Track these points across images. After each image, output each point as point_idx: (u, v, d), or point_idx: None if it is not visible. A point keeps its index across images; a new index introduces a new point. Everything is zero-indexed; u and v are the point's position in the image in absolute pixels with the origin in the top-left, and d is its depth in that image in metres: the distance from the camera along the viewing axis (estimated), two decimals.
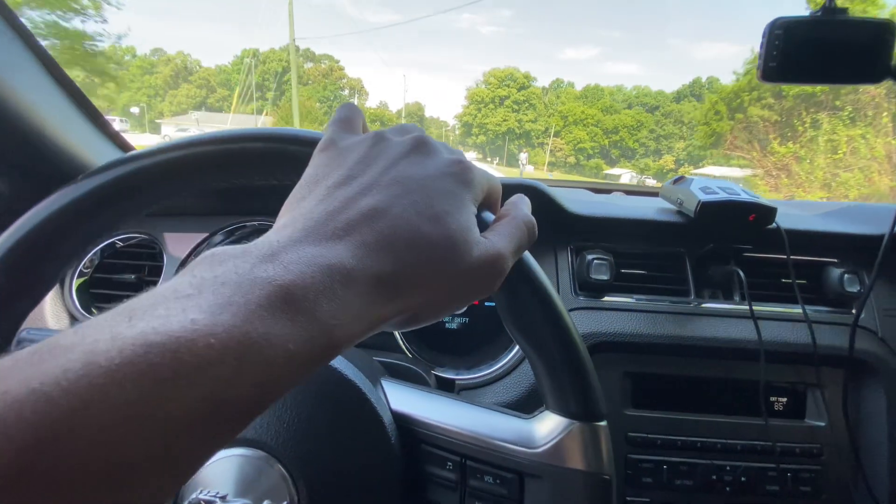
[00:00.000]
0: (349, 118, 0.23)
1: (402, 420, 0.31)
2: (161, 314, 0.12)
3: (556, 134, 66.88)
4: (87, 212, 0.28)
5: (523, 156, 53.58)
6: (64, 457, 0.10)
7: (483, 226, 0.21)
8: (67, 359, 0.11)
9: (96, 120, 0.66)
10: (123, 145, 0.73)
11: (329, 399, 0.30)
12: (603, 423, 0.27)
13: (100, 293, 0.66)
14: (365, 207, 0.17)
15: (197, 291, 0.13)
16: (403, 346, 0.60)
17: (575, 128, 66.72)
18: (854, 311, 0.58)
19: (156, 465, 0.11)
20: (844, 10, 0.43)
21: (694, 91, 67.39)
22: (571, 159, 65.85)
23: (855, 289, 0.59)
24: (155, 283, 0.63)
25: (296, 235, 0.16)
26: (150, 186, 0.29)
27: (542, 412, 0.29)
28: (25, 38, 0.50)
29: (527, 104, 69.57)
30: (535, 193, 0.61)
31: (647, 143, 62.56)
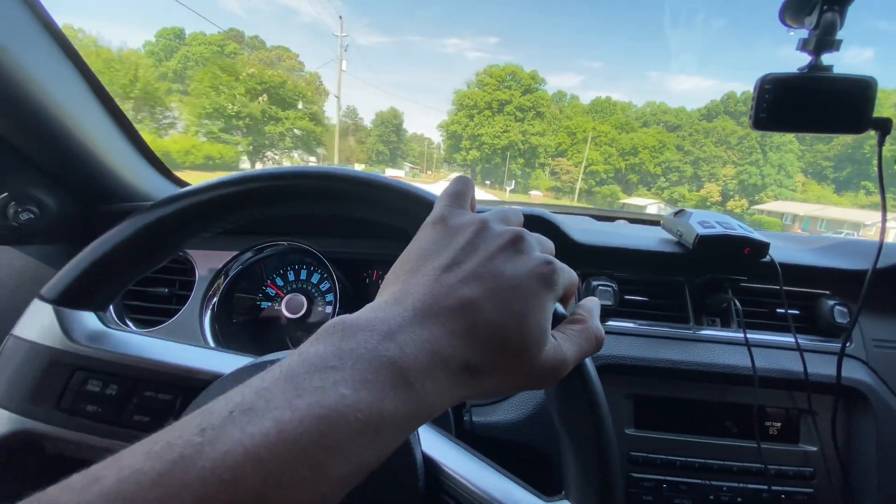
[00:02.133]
0: (462, 193, 0.25)
1: (430, 465, 0.31)
2: (317, 386, 0.15)
3: (562, 153, 55.83)
4: (167, 231, 0.31)
5: (506, 187, 42.80)
6: None
7: (557, 319, 0.23)
8: (261, 423, 0.13)
9: (139, 145, 0.70)
10: (165, 171, 0.78)
11: None
12: None
13: (134, 304, 0.69)
14: (464, 298, 0.19)
15: (340, 364, 0.15)
16: None
17: (585, 147, 55.69)
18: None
19: None
20: (829, 68, 0.48)
21: (728, 108, 50.09)
22: (581, 184, 54.60)
23: (844, 320, 0.61)
24: (186, 298, 0.67)
25: (407, 316, 0.18)
26: (234, 210, 0.31)
27: (560, 499, 0.29)
28: (80, 67, 0.55)
29: (533, 112, 50.50)
30: (542, 222, 0.64)
31: (682, 168, 52.58)
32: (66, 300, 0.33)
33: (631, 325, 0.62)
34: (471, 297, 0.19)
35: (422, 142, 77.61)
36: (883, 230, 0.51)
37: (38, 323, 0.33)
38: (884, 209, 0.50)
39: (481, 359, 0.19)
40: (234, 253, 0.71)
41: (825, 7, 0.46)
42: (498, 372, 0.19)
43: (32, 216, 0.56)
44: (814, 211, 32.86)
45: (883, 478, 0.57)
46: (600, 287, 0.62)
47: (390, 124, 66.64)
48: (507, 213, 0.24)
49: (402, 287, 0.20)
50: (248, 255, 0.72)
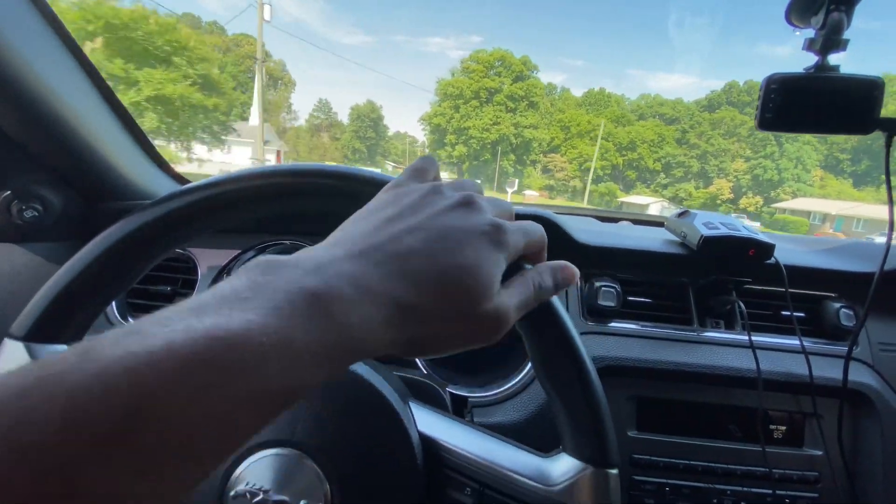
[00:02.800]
0: (423, 168, 0.26)
1: (427, 443, 0.32)
2: (225, 312, 0.14)
3: (554, 149, 51.40)
4: (165, 229, 0.31)
5: (508, 188, 36.86)
6: (152, 424, 0.12)
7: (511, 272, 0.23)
8: (152, 343, 0.13)
9: (143, 143, 0.72)
10: (168, 169, 0.80)
11: (365, 413, 0.31)
12: (614, 472, 0.29)
13: (136, 303, 0.69)
14: (405, 246, 0.19)
15: (253, 295, 0.15)
16: (419, 363, 0.63)
17: (580, 142, 51.34)
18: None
19: (214, 438, 0.13)
20: (836, 68, 0.47)
21: (731, 98, 46.12)
22: (576, 182, 50.58)
23: (851, 323, 0.61)
24: (188, 296, 0.64)
25: (339, 254, 0.18)
26: (232, 209, 0.31)
27: (558, 452, 0.30)
28: (85, 65, 0.55)
29: (525, 102, 43.83)
30: (546, 223, 0.62)
31: (687, 163, 48.62)
32: (37, 335, 0.32)
33: (634, 326, 0.63)
34: (411, 245, 0.19)
35: (404, 139, 75.46)
36: (890, 232, 0.49)
37: (10, 363, 0.31)
38: (891, 211, 0.49)
39: (416, 300, 0.18)
40: (237, 252, 0.72)
41: (832, 6, 0.45)
42: (432, 317, 0.19)
43: (36, 214, 0.57)
44: (846, 209, 30.10)
45: (889, 483, 0.57)
46: (603, 288, 0.62)
47: (367, 119, 59.44)
48: (463, 182, 0.25)
49: (341, 234, 0.20)
50: (251, 254, 0.73)
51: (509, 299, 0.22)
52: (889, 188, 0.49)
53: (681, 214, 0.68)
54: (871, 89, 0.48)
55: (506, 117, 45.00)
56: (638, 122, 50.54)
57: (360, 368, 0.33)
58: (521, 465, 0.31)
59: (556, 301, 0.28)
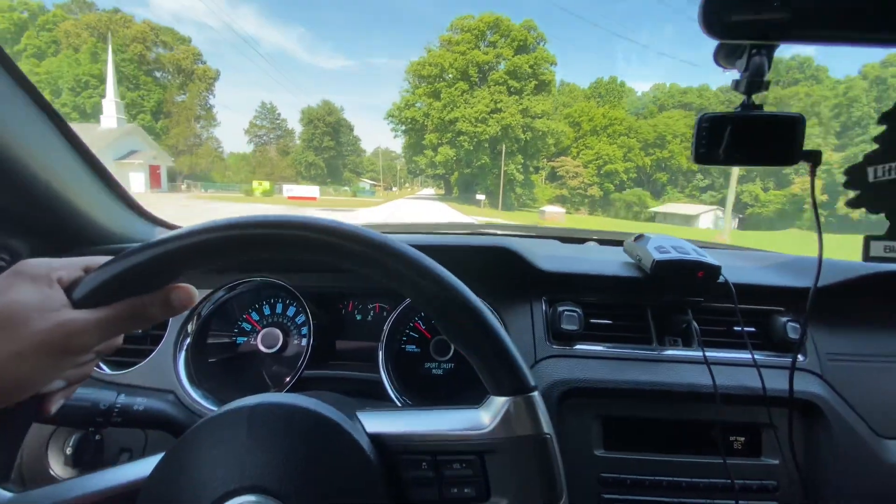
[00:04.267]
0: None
1: (378, 440, 0.35)
2: None
3: (563, 151, 39.32)
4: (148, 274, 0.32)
5: (479, 196, 31.72)
6: None
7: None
8: None
9: (112, 185, 0.73)
10: (140, 210, 0.81)
11: (315, 438, 0.33)
12: (534, 394, 0.33)
13: None
14: None
15: None
16: (392, 395, 0.65)
17: (595, 140, 39.59)
18: (798, 356, 0.63)
19: None
20: (760, 106, 0.52)
21: (779, 77, 24.81)
22: (595, 190, 39.24)
23: (797, 335, 0.64)
24: (160, 336, 0.69)
25: None
26: (213, 257, 0.32)
27: (488, 398, 0.34)
28: (50, 114, 0.57)
29: (534, 81, 26.62)
30: (508, 254, 0.67)
31: None
32: None
33: (597, 348, 0.65)
34: None
35: (387, 155, 70.55)
36: (821, 250, 0.55)
37: None
38: (819, 232, 0.54)
39: None
40: (206, 293, 0.72)
41: (753, 51, 0.50)
42: None
43: (3, 264, 0.55)
44: None
45: (841, 489, 0.60)
46: (566, 312, 0.65)
47: (322, 123, 43.13)
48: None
49: None
50: (221, 293, 0.74)
51: (85, 316, 0.28)
52: (815, 211, 0.55)
53: (636, 238, 0.73)
54: (793, 125, 0.52)
55: (509, 101, 30.38)
56: (661, 113, 42.00)
57: (296, 399, 0.35)
58: (459, 422, 0.34)
59: (449, 275, 0.33)
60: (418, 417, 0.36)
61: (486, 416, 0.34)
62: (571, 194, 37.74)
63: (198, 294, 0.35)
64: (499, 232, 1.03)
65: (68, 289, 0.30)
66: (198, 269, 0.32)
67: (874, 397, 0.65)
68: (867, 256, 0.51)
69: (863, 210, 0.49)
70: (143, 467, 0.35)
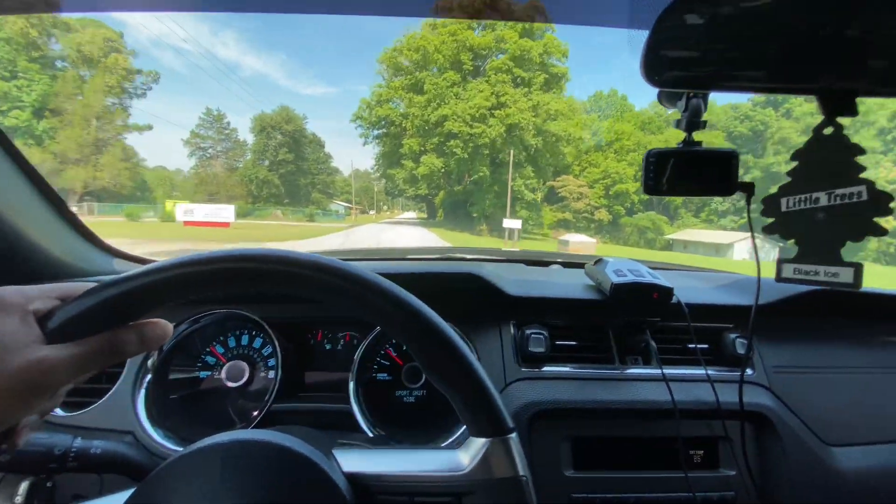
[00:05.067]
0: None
1: (354, 479, 0.35)
2: None
3: (563, 169, 33.87)
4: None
5: (513, 224, 21.50)
6: None
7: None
8: None
9: (68, 217, 0.74)
10: (99, 244, 0.82)
11: (291, 478, 0.33)
12: (512, 436, 0.34)
13: None
14: None
15: None
16: (364, 427, 0.69)
17: (601, 157, 35.41)
18: (747, 370, 0.72)
19: None
20: (700, 143, 0.59)
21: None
22: (603, 214, 34.00)
23: (744, 350, 0.71)
24: (118, 374, 0.69)
25: None
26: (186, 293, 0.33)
27: (467, 440, 0.36)
28: (9, 152, 0.58)
29: (543, 75, 15.80)
30: (477, 281, 0.72)
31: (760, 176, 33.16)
32: None
33: (563, 369, 0.71)
34: None
35: (365, 176, 68.27)
36: (759, 270, 0.61)
37: None
38: (756, 255, 0.60)
39: None
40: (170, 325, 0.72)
41: (691, 95, 0.57)
42: None
43: None
44: None
45: (793, 496, 0.64)
46: (533, 335, 0.71)
47: (278, 133, 33.26)
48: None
49: None
50: (183, 327, 0.74)
51: (59, 352, 0.29)
52: (753, 238, 0.60)
53: (596, 262, 0.81)
54: (729, 159, 0.58)
55: (515, 94, 22.01)
56: (669, 128, 35.18)
57: (272, 436, 0.35)
58: (437, 463, 0.35)
59: (429, 311, 0.34)
60: (396, 457, 0.37)
61: (464, 458, 0.35)
62: (576, 218, 33.98)
63: (172, 329, 0.36)
64: (468, 256, 1.11)
65: (42, 320, 0.30)
66: (174, 303, 0.32)
67: (819, 407, 0.71)
68: (779, 278, 0.56)
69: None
70: None
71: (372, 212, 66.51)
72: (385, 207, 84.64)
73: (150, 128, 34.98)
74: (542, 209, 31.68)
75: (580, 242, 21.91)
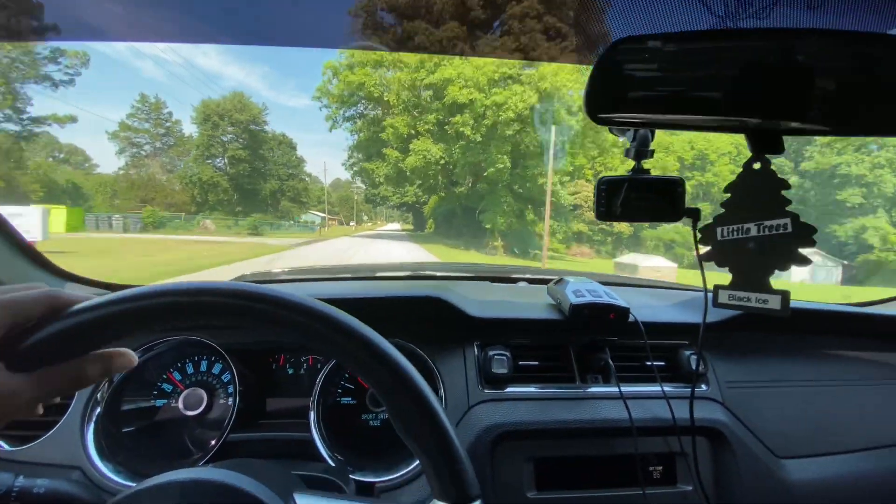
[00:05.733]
0: None
1: None
2: None
3: (576, 170, 26.80)
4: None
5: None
6: None
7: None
8: None
9: (13, 240, 0.73)
10: (48, 266, 0.81)
11: None
12: (478, 503, 0.35)
13: None
14: None
15: None
16: (325, 454, 0.71)
17: (618, 159, 27.53)
18: (702, 385, 0.79)
19: None
20: (648, 171, 0.64)
21: None
22: (623, 226, 26.34)
23: (696, 367, 0.78)
24: (66, 406, 0.70)
25: None
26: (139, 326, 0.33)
27: (431, 501, 0.35)
28: None
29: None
30: (440, 304, 0.76)
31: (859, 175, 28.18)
32: None
33: (526, 389, 0.75)
34: None
35: (347, 186, 63.13)
36: (706, 289, 0.64)
37: None
38: (703, 274, 0.64)
39: None
40: None
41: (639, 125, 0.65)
42: None
43: None
44: None
45: None
46: (496, 356, 0.75)
47: (227, 123, 23.12)
48: None
49: None
50: (138, 354, 0.76)
51: (19, 381, 0.28)
52: (700, 262, 0.63)
53: (557, 282, 0.87)
54: (675, 186, 0.62)
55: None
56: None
57: (232, 478, 0.35)
58: None
59: (404, 363, 0.33)
60: None
61: None
62: (592, 231, 29.15)
63: (136, 358, 0.36)
64: (438, 273, 1.14)
65: (1, 346, 0.30)
66: (141, 333, 0.35)
67: (769, 420, 0.76)
68: (716, 303, 0.61)
69: None
70: None
71: (352, 223, 64.11)
72: (366, 218, 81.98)
73: (72, 119, 26.64)
74: (570, 218, 24.26)
75: (655, 267, 14.58)
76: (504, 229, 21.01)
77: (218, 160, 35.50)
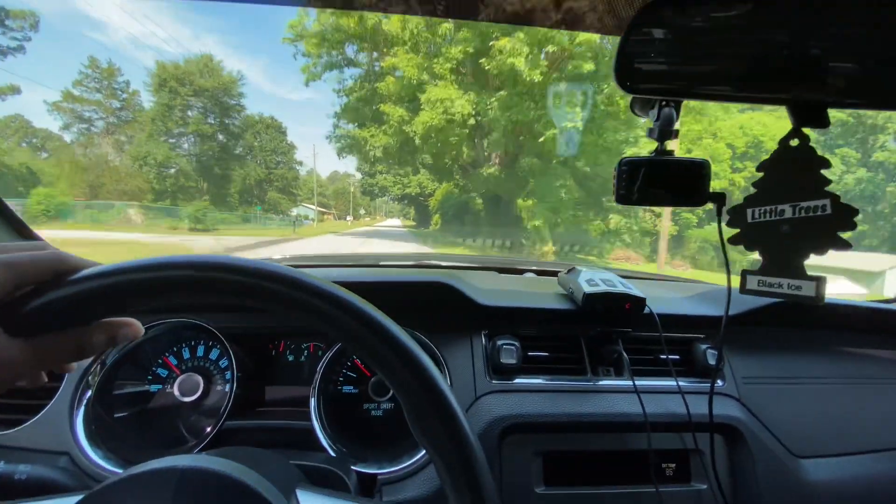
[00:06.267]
0: None
1: None
2: None
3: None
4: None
5: None
6: None
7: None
8: None
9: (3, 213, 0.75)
10: (27, 233, 0.80)
11: None
12: None
13: None
14: None
15: None
16: (325, 444, 0.71)
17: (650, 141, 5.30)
18: (718, 381, 0.81)
19: None
20: (672, 152, 0.61)
21: None
22: (663, 223, 14.30)
23: (714, 362, 0.76)
24: (55, 389, 0.70)
25: None
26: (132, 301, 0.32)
27: None
28: None
29: None
30: (448, 290, 0.76)
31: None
32: None
33: (535, 381, 0.75)
34: None
35: (345, 180, 58.90)
36: (729, 281, 0.62)
37: None
38: (727, 265, 0.62)
39: None
40: None
41: (663, 103, 0.57)
42: None
43: None
44: None
45: None
46: (504, 346, 0.75)
47: (188, 90, 15.36)
48: None
49: None
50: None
51: (20, 346, 0.27)
52: (724, 248, 0.61)
53: (569, 271, 0.87)
54: (699, 169, 0.59)
55: None
56: (743, 112, 25.52)
57: (234, 469, 0.34)
58: None
59: (425, 360, 0.32)
60: None
61: None
62: (629, 231, 21.73)
63: (143, 329, 0.35)
64: (443, 263, 1.10)
65: (2, 307, 0.29)
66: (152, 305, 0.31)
67: (788, 418, 0.77)
68: (743, 289, 0.59)
69: None
70: None
71: (349, 218, 60.42)
72: (363, 212, 78.21)
73: (13, 90, 20.75)
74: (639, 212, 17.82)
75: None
76: (558, 229, 13.43)
77: (183, 139, 30.93)
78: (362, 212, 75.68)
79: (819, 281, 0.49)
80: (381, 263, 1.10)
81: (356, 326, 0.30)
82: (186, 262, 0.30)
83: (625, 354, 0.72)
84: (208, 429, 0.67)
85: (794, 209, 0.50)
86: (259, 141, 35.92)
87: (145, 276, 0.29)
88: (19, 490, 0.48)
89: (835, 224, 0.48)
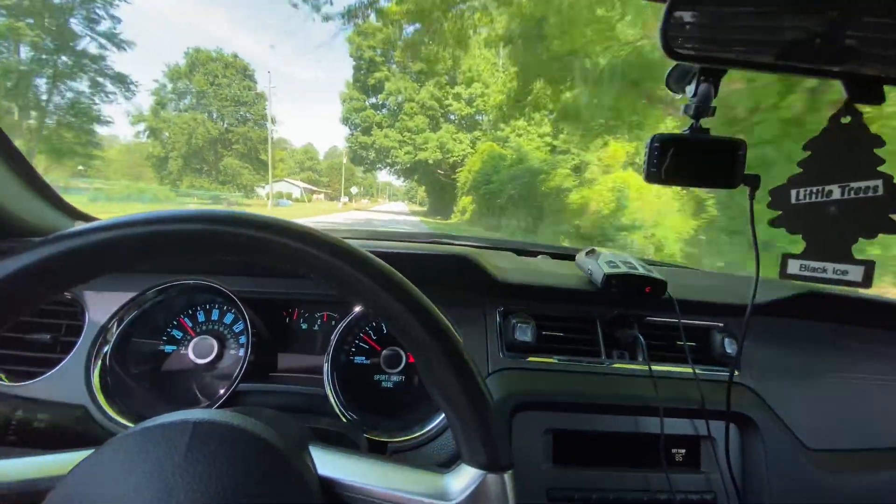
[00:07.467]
0: None
1: (328, 485, 0.35)
2: None
3: (609, 129, 6.55)
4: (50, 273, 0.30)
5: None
6: None
7: None
8: None
9: (27, 175, 0.76)
10: (59, 202, 0.84)
11: (255, 467, 0.32)
12: (509, 472, 0.35)
13: (9, 354, 0.71)
14: None
15: None
16: (338, 411, 0.74)
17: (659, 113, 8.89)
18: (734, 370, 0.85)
19: None
20: (707, 130, 0.59)
21: None
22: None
23: (732, 350, 0.78)
24: (72, 344, 0.73)
25: None
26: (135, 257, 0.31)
27: (458, 465, 0.36)
28: None
29: None
30: (466, 263, 0.77)
31: None
32: None
33: (549, 360, 0.77)
34: None
35: (342, 156, 50.01)
36: (758, 269, 0.60)
37: None
38: (756, 252, 0.60)
39: None
40: (132, 294, 0.75)
41: (702, 78, 0.55)
42: None
43: None
44: None
45: (774, 500, 0.69)
46: (519, 324, 0.77)
47: (200, 71, 11.60)
48: None
49: None
50: (149, 296, 0.78)
51: None
52: (754, 234, 0.60)
53: (588, 253, 0.88)
54: (735, 149, 0.57)
55: None
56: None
57: (248, 422, 0.35)
58: (424, 486, 0.34)
59: (437, 315, 0.32)
60: (380, 470, 0.35)
61: (454, 487, 0.34)
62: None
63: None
64: (456, 242, 1.12)
65: None
66: (139, 264, 0.30)
67: (804, 412, 0.77)
68: (784, 274, 0.56)
69: None
70: (57, 464, 0.32)
71: (342, 200, 48.80)
72: (356, 191, 61.37)
73: None
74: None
75: None
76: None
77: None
78: (354, 190, 58.88)
79: (868, 265, 0.46)
80: (395, 238, 1.12)
81: (373, 286, 0.29)
82: (206, 215, 0.28)
83: (641, 338, 0.73)
84: (221, 391, 0.68)
85: (842, 190, 0.48)
86: (218, 88, 25.34)
87: (153, 228, 0.28)
88: (39, 438, 0.50)
89: (887, 206, 0.45)
